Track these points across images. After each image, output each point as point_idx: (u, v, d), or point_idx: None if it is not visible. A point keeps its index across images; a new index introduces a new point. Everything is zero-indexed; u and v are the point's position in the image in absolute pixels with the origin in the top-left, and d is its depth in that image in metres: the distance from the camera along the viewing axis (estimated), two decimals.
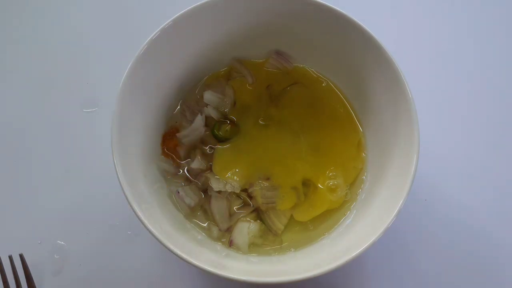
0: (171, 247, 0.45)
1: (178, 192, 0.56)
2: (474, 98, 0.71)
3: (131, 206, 0.46)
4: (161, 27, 0.52)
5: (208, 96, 0.60)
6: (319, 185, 0.58)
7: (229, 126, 0.59)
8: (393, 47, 0.53)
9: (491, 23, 0.76)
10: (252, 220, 0.56)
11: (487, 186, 0.65)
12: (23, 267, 0.57)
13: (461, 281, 0.61)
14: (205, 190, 0.57)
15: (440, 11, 0.77)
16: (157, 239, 0.45)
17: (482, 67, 0.73)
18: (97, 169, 0.64)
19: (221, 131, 0.59)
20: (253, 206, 0.56)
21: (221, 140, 0.59)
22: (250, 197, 0.57)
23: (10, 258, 0.57)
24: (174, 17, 0.53)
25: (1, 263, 0.57)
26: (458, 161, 0.67)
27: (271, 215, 0.56)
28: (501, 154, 0.67)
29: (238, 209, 0.57)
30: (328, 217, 0.57)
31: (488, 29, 0.75)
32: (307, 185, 0.58)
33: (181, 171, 0.58)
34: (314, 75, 0.63)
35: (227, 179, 0.57)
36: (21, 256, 0.57)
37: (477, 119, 0.69)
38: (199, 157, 0.58)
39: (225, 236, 0.56)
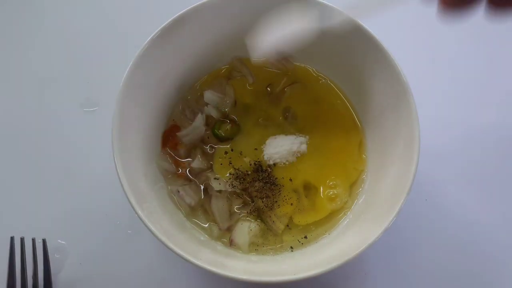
0: (172, 246, 0.45)
1: (179, 191, 0.56)
2: (475, 98, 0.71)
3: (131, 205, 0.46)
4: (161, 26, 0.52)
5: (209, 95, 0.60)
6: (320, 194, 0.58)
7: (230, 125, 0.59)
8: (394, 47, 0.53)
9: (493, 23, 0.76)
10: (252, 220, 0.56)
11: (487, 186, 0.65)
12: (44, 252, 0.57)
13: (461, 281, 0.61)
14: (206, 189, 0.57)
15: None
16: (157, 238, 0.45)
17: (484, 68, 0.73)
18: (98, 168, 0.64)
19: (221, 130, 0.59)
20: (253, 205, 0.56)
21: (221, 140, 0.59)
22: (251, 196, 0.57)
23: (22, 240, 0.57)
24: (175, 16, 0.53)
25: (24, 245, 0.57)
26: (458, 161, 0.67)
27: (271, 215, 0.56)
28: (501, 154, 0.67)
29: (238, 208, 0.57)
30: (328, 218, 0.57)
31: (490, 30, 0.75)
32: (308, 187, 0.58)
33: (181, 170, 0.58)
34: (315, 75, 0.63)
35: (228, 178, 0.57)
36: (44, 241, 0.57)
37: (477, 120, 0.69)
38: (199, 156, 0.58)
39: (225, 236, 0.56)
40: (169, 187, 0.57)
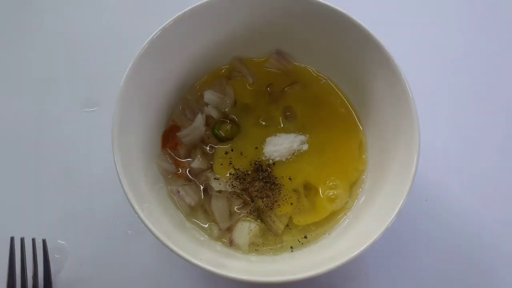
0: (172, 246, 0.45)
1: (179, 192, 0.56)
2: (475, 98, 0.71)
3: (131, 205, 0.46)
4: (162, 26, 0.52)
5: (209, 95, 0.60)
6: (320, 195, 0.58)
7: (230, 125, 0.59)
8: (394, 46, 0.52)
9: (493, 22, 0.76)
10: (252, 220, 0.56)
11: (487, 186, 0.65)
12: (44, 252, 0.57)
13: (461, 281, 0.61)
14: (206, 189, 0.57)
15: (441, 10, 0.77)
16: (157, 238, 0.45)
17: (484, 67, 0.73)
18: (98, 168, 0.64)
19: (221, 130, 0.59)
20: (253, 205, 0.56)
21: (221, 140, 0.59)
22: (251, 196, 0.57)
23: (22, 241, 0.57)
24: (175, 16, 0.53)
25: (24, 246, 0.57)
26: (458, 161, 0.66)
27: (271, 215, 0.56)
28: (501, 155, 0.67)
29: (238, 208, 0.57)
30: (328, 218, 0.57)
31: (489, 28, 0.75)
32: (308, 188, 0.58)
33: (181, 170, 0.58)
34: (314, 75, 0.63)
35: (228, 178, 0.57)
36: (44, 241, 0.57)
37: (478, 120, 0.69)
38: (199, 156, 0.58)
39: (225, 236, 0.56)
40: (169, 187, 0.57)
